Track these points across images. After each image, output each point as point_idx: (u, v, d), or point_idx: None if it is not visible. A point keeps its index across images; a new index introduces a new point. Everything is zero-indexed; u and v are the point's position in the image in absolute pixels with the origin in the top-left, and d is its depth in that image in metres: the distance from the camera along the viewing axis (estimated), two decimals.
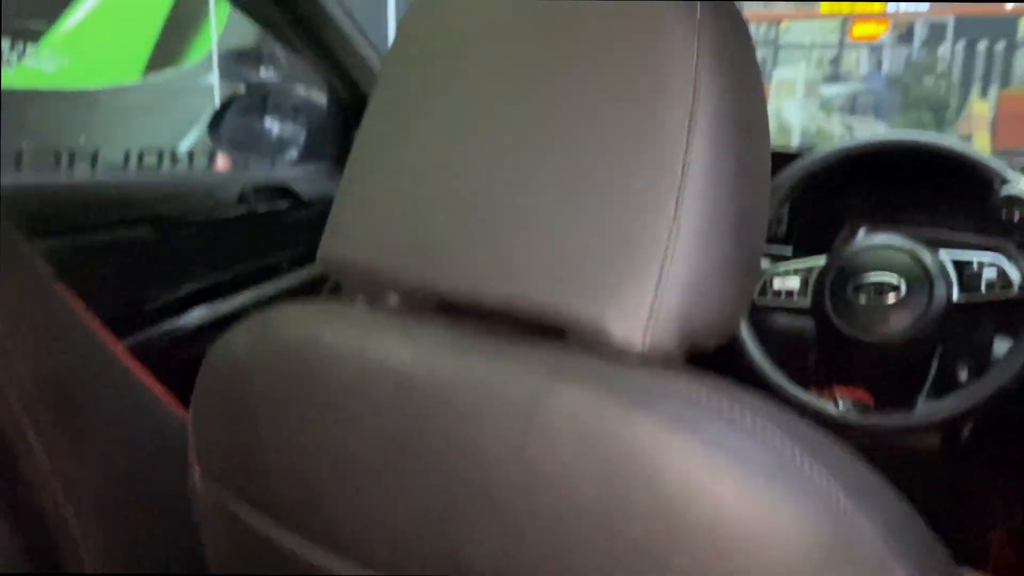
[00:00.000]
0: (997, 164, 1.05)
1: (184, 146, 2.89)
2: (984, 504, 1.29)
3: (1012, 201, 1.01)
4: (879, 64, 11.35)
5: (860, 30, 12.44)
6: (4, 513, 0.66)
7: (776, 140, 7.85)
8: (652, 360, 0.42)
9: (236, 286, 1.40)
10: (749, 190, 0.43)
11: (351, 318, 0.50)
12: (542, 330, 0.44)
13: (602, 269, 0.41)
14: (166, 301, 1.30)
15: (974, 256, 1.06)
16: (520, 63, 0.44)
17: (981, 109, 8.56)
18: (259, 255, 1.45)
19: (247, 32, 1.53)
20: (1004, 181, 1.03)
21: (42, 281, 0.75)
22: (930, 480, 1.23)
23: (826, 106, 8.78)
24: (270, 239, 1.47)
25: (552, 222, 0.42)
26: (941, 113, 9.09)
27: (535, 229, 0.43)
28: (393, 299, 0.51)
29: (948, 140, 1.11)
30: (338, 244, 0.51)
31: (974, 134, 8.37)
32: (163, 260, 1.30)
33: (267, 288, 1.44)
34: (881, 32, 11.47)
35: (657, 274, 0.40)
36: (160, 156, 1.41)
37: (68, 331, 0.74)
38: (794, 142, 7.86)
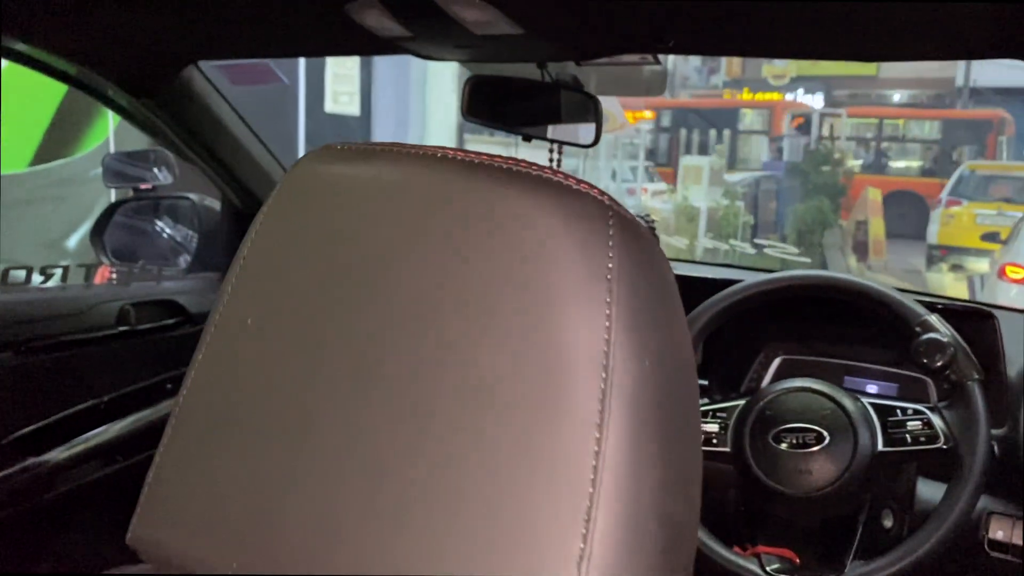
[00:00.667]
0: (916, 306, 1.04)
1: (75, 240, 2.73)
2: None
3: (933, 346, 0.99)
4: (780, 152, 11.95)
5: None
6: None
7: (683, 225, 8.06)
8: None
9: (112, 413, 1.28)
10: (680, 480, 0.35)
11: None
12: None
13: None
14: (28, 433, 1.17)
15: (897, 403, 1.03)
16: (392, 316, 0.35)
17: (875, 196, 9.03)
18: (141, 377, 1.33)
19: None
20: (924, 325, 1.02)
21: None
22: None
23: (730, 193, 9.11)
24: (153, 359, 1.36)
25: (427, 537, 0.33)
26: (838, 199, 9.55)
27: (405, 545, 0.33)
28: None
29: (868, 281, 1.10)
30: (154, 525, 0.40)
31: (870, 219, 8.79)
32: (26, 388, 1.18)
33: (148, 413, 1.32)
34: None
35: None
36: (29, 272, 1.30)
37: None
38: (700, 227, 8.08)
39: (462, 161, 0.36)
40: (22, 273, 1.30)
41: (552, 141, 1.12)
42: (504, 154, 0.36)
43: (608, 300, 0.33)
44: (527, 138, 1.12)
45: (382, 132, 6.99)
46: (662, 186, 9.68)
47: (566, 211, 0.33)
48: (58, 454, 1.20)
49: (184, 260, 1.57)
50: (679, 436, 0.35)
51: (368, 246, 0.37)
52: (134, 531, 0.41)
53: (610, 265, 0.33)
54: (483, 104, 1.09)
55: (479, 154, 0.36)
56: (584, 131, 1.08)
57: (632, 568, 0.32)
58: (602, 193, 0.34)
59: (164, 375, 1.37)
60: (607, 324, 0.32)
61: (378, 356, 0.35)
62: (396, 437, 0.34)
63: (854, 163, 11.43)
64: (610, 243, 0.33)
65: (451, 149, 0.37)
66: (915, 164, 11.66)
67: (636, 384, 0.33)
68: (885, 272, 8.03)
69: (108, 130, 3.02)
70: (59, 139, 2.95)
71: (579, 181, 0.34)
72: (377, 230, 0.37)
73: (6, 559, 1.14)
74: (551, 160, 1.15)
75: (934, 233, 8.60)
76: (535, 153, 0.95)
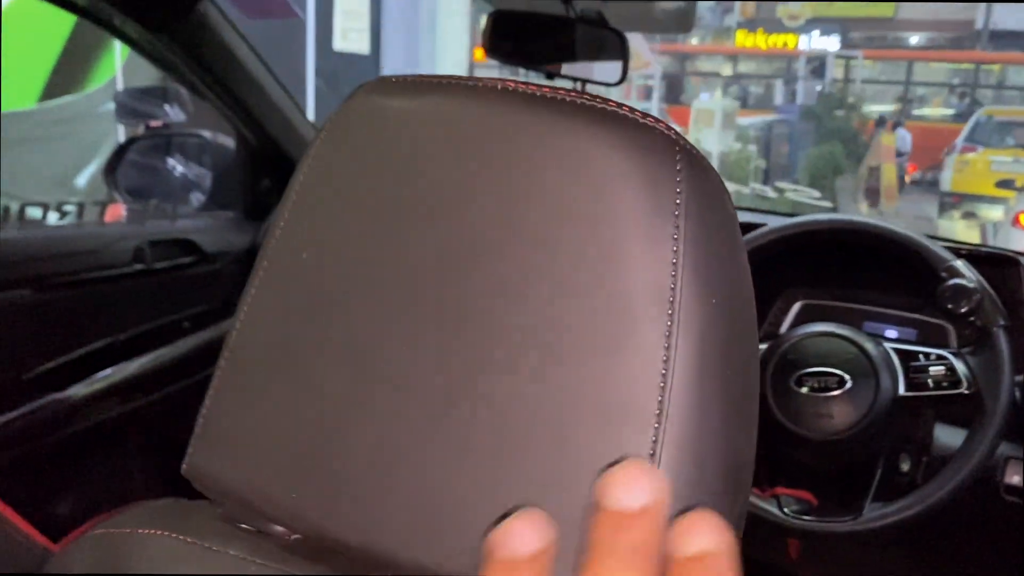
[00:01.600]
0: (942, 251, 1.03)
1: (85, 178, 2.71)
2: None
3: (959, 292, 0.98)
4: (793, 95, 11.76)
5: None
6: None
7: None
8: None
9: (130, 351, 1.28)
10: (742, 420, 0.35)
11: (223, 561, 0.39)
12: None
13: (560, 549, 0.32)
14: (47, 370, 1.18)
15: (920, 348, 1.03)
16: (451, 252, 0.34)
17: (888, 141, 8.92)
18: (157, 315, 1.34)
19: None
20: (950, 270, 1.00)
21: None
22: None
23: (742, 136, 9.00)
24: (169, 297, 1.36)
25: (492, 475, 0.33)
26: (851, 145, 9.44)
27: (469, 482, 0.33)
28: (281, 528, 0.40)
29: (894, 226, 1.08)
30: (210, 457, 0.40)
31: (883, 165, 8.70)
32: (44, 325, 1.18)
33: (166, 352, 1.33)
34: None
35: None
36: (45, 209, 1.29)
37: None
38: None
39: (523, 94, 0.35)
40: (39, 210, 1.29)
41: (575, 79, 1.10)
42: None
43: (675, 237, 0.32)
44: (550, 76, 1.09)
45: (391, 70, 6.90)
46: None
47: (633, 145, 0.32)
48: (78, 390, 1.21)
49: (197, 198, 1.56)
50: (742, 374, 0.35)
51: (426, 180, 0.36)
52: (189, 461, 0.41)
53: (678, 201, 0.32)
54: (505, 40, 1.07)
55: (540, 86, 0.35)
56: (609, 69, 1.06)
57: (696, 503, 0.32)
58: (669, 128, 0.33)
59: (181, 313, 1.38)
60: (674, 261, 0.32)
61: (437, 292, 0.34)
62: (457, 372, 0.34)
63: (877, 108, 11.17)
64: (678, 179, 0.32)
65: (512, 81, 0.35)
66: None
67: (703, 322, 0.32)
68: (897, 219, 7.98)
69: (115, 66, 2.98)
70: (67, 76, 2.91)
71: (645, 115, 0.33)
72: (435, 164, 0.36)
73: (29, 493, 1.15)
74: None
75: (947, 180, 8.49)
76: None
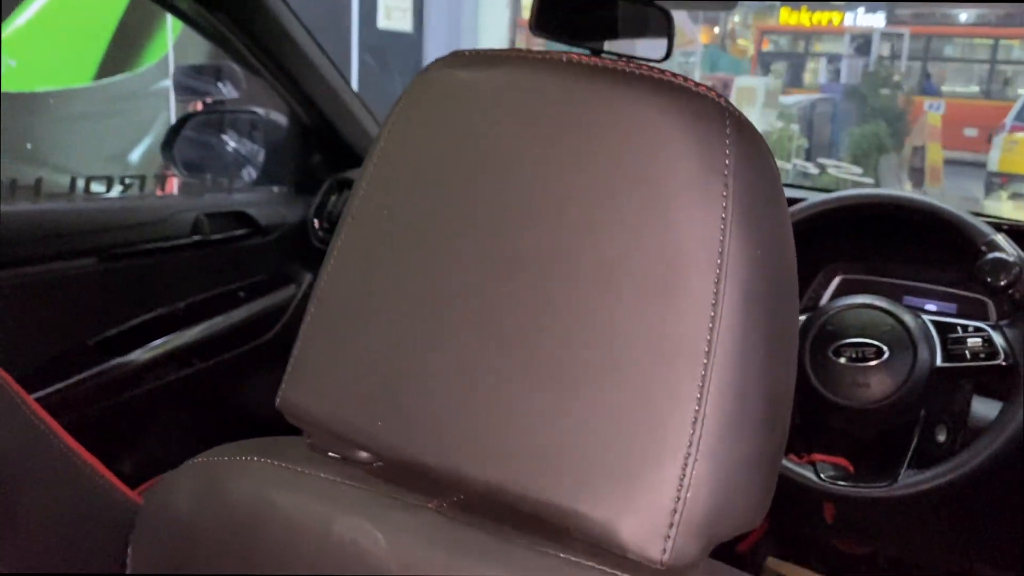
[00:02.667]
0: (983, 226, 1.04)
1: (139, 154, 2.79)
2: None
3: (998, 265, 0.99)
4: (837, 74, 11.53)
5: None
6: None
7: None
8: (672, 572, 0.36)
9: (188, 318, 1.34)
10: (781, 359, 0.38)
11: (315, 482, 0.44)
12: (542, 525, 0.38)
13: (614, 465, 0.36)
14: (112, 336, 1.24)
15: (958, 321, 1.05)
16: (521, 207, 0.39)
17: (934, 120, 8.73)
18: (214, 285, 1.39)
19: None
20: (990, 244, 1.01)
21: None
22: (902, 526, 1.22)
23: (785, 115, 8.88)
24: (225, 268, 1.41)
25: (554, 402, 0.37)
26: (896, 124, 9.26)
27: (533, 408, 0.37)
28: (364, 454, 0.45)
29: (935, 200, 1.10)
30: (301, 392, 0.45)
31: (928, 144, 8.53)
32: (109, 293, 1.24)
33: (221, 320, 1.38)
34: None
35: (680, 472, 0.35)
36: (109, 182, 1.34)
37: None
38: None
39: (586, 65, 0.39)
40: (103, 184, 1.35)
41: (620, 56, 1.12)
42: None
43: (724, 194, 0.35)
44: (595, 52, 1.11)
45: (434, 49, 6.92)
46: None
47: (686, 112, 0.36)
48: (139, 356, 1.26)
49: (248, 173, 1.60)
50: (783, 318, 0.38)
51: (497, 145, 0.40)
52: (282, 396, 0.45)
53: (727, 162, 0.36)
54: (551, 18, 1.09)
55: (603, 59, 0.38)
56: (655, 46, 1.08)
57: (739, 433, 0.36)
58: (720, 96, 0.37)
59: (236, 284, 1.43)
60: (723, 216, 0.35)
61: (507, 244, 0.38)
62: (524, 313, 0.38)
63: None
64: (727, 142, 0.36)
65: (575, 53, 0.39)
66: None
67: (749, 270, 0.36)
68: (941, 200, 7.80)
69: (167, 45, 3.05)
70: (121, 54, 2.97)
71: (697, 84, 0.37)
72: (505, 130, 0.40)
73: (94, 450, 1.21)
74: None
75: (995, 160, 8.30)
76: None
